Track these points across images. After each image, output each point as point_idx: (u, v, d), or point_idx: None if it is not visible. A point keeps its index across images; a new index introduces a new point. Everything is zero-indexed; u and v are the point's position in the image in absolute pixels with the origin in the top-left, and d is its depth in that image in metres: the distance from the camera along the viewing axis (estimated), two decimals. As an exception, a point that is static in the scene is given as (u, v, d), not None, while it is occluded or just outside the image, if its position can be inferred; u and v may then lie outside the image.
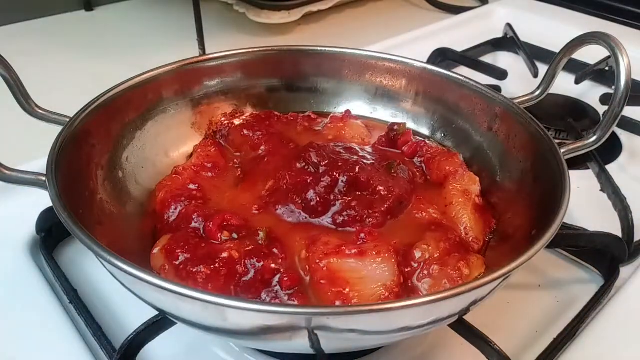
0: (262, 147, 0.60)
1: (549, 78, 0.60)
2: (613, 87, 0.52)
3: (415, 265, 0.46)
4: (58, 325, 0.51)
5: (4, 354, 0.49)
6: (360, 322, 0.35)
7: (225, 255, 0.45)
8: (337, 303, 0.43)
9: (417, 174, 0.58)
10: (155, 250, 0.47)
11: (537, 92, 0.61)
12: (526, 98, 0.61)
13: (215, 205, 0.53)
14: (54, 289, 0.55)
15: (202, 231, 0.49)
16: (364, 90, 0.69)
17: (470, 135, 0.62)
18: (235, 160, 0.60)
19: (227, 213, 0.50)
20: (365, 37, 1.02)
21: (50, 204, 0.41)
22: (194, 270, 0.44)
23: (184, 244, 0.46)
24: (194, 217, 0.50)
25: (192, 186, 0.55)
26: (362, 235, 0.46)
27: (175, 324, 0.46)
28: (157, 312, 0.45)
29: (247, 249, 0.46)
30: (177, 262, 0.45)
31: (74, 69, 0.99)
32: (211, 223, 0.48)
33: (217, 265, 0.44)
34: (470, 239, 0.51)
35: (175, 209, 0.52)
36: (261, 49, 0.67)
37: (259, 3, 1.10)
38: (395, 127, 0.62)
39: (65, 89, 0.89)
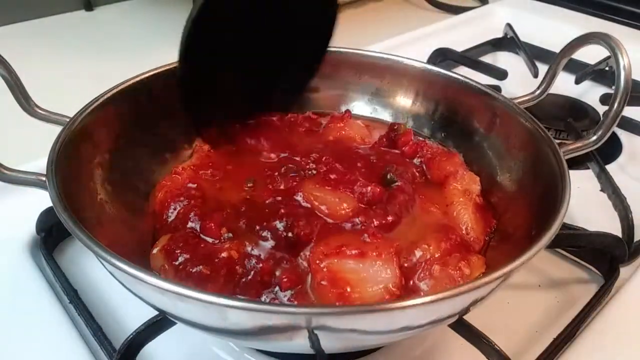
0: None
1: (549, 78, 0.61)
2: (613, 87, 0.52)
3: (416, 265, 0.46)
4: (58, 325, 0.51)
5: (4, 354, 0.49)
6: (360, 322, 0.35)
7: (224, 255, 0.45)
8: (338, 304, 0.43)
9: (417, 174, 0.58)
10: (155, 251, 0.47)
11: (537, 92, 0.61)
12: (526, 98, 0.61)
13: (214, 205, 0.53)
14: (54, 289, 0.55)
15: (199, 230, 0.49)
16: (364, 90, 0.69)
17: (470, 135, 0.62)
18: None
19: (224, 211, 0.50)
20: (365, 37, 1.01)
21: (50, 204, 0.41)
22: (194, 270, 0.44)
23: (183, 244, 0.46)
24: (190, 216, 0.50)
25: (191, 186, 0.55)
26: (365, 235, 0.46)
27: (175, 324, 0.46)
28: (157, 312, 0.45)
29: (246, 249, 0.46)
30: (177, 263, 0.45)
31: (74, 69, 0.99)
32: (211, 222, 0.48)
33: (216, 265, 0.44)
34: (471, 238, 0.51)
35: (175, 209, 0.52)
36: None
37: (259, 3, 1.10)
38: (396, 127, 0.62)
39: (65, 89, 0.89)
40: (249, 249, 0.46)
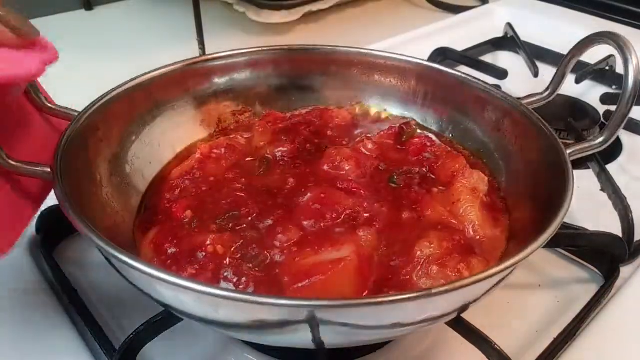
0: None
1: (558, 79, 0.59)
2: (614, 87, 0.51)
3: (416, 262, 0.46)
4: (58, 325, 0.51)
5: (4, 354, 0.49)
6: (362, 315, 0.35)
7: (209, 249, 0.45)
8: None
9: (424, 172, 0.57)
10: (144, 244, 0.48)
11: (546, 93, 0.60)
12: (534, 99, 0.60)
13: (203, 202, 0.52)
14: (54, 289, 0.55)
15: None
16: (373, 89, 0.68)
17: (478, 135, 0.62)
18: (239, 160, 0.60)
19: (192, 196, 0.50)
20: (366, 37, 1.01)
21: (51, 204, 0.41)
22: (183, 266, 0.44)
23: (172, 237, 0.46)
24: (167, 206, 0.51)
25: (187, 179, 0.55)
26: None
27: (175, 324, 0.46)
28: (157, 313, 0.45)
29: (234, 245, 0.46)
30: (165, 257, 0.45)
31: (74, 69, 0.98)
32: (176, 204, 0.49)
33: (202, 262, 0.44)
34: (478, 237, 0.50)
35: (167, 201, 0.52)
36: (268, 48, 0.67)
37: (259, 3, 1.10)
38: (406, 127, 0.62)
39: (65, 89, 0.88)
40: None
